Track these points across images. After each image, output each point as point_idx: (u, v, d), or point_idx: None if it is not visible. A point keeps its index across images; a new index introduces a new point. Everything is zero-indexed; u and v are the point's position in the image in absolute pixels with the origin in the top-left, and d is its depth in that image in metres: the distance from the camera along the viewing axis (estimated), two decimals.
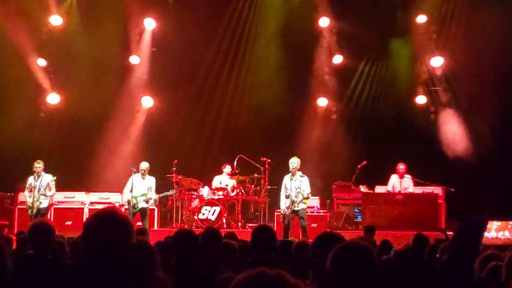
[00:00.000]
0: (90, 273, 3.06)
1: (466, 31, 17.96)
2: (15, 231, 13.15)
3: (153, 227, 15.72)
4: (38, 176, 14.64)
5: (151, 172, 15.00)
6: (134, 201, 14.43)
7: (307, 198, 14.22)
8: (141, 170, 14.67)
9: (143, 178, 14.68)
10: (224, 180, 16.52)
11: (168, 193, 15.41)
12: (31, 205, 14.57)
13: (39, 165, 14.68)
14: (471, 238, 2.64)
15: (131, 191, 14.50)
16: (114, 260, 3.06)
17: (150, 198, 14.65)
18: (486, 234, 12.86)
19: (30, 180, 14.75)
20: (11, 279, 4.29)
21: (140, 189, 14.56)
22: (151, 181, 14.74)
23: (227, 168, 16.59)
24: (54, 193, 15.08)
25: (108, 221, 3.10)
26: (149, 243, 4.90)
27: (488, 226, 12.82)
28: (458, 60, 18.08)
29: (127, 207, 14.58)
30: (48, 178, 14.69)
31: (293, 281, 2.23)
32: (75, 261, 5.77)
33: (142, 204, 14.51)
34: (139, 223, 14.56)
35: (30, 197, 14.62)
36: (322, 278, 3.75)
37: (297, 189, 13.78)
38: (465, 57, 17.74)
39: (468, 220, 2.67)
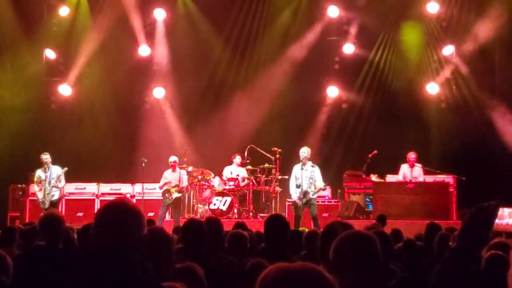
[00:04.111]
0: (102, 264, 3.07)
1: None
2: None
3: (165, 218, 15.77)
4: (47, 168, 14.67)
5: (163, 162, 15.61)
6: (168, 193, 15.38)
7: (324, 189, 14.27)
8: (170, 163, 15.58)
9: (174, 171, 15.58)
10: (234, 170, 16.53)
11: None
12: (43, 199, 14.59)
13: (47, 156, 14.74)
14: (481, 226, 2.62)
15: (165, 184, 15.50)
16: (125, 251, 3.07)
17: (182, 188, 15.57)
18: (498, 221, 12.86)
19: (39, 173, 14.79)
20: (21, 270, 4.31)
21: (172, 182, 15.48)
22: (182, 173, 15.65)
23: (237, 159, 16.59)
24: (64, 184, 15.19)
25: (119, 212, 3.12)
26: (165, 232, 4.93)
27: (499, 213, 12.80)
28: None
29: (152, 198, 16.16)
30: (57, 170, 14.74)
31: (331, 278, 2.19)
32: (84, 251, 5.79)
33: (175, 195, 15.35)
34: (150, 214, 14.90)
35: (40, 190, 14.65)
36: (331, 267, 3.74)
37: (309, 179, 13.77)
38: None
39: (478, 207, 2.65)
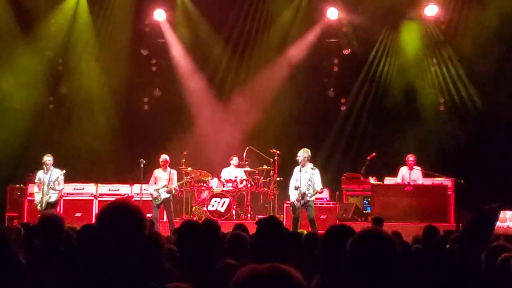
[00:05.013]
0: (103, 264, 3.06)
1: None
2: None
3: (163, 219, 15.73)
4: (48, 170, 14.63)
5: (158, 163, 15.31)
6: (156, 194, 14.90)
7: (320, 192, 14.25)
8: (161, 162, 15.12)
9: (164, 171, 15.10)
10: (233, 171, 16.52)
11: (180, 182, 15.82)
12: (40, 201, 14.56)
13: (49, 158, 14.68)
14: (483, 228, 2.63)
15: (155, 183, 15.02)
16: (127, 252, 3.07)
17: (172, 189, 14.98)
18: (500, 223, 12.84)
19: (39, 174, 14.73)
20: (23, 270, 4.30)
21: (162, 182, 14.99)
22: (172, 173, 15.16)
23: (234, 160, 16.59)
24: (62, 187, 15.14)
25: (121, 213, 3.11)
26: (156, 233, 4.91)
27: (501, 216, 12.76)
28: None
29: (150, 199, 15.22)
30: (57, 173, 14.68)
31: (298, 277, 2.22)
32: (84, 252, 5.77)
33: (164, 195, 14.91)
34: (149, 215, 14.75)
35: (39, 192, 14.62)
36: (331, 270, 3.73)
37: (308, 182, 13.75)
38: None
39: (480, 210, 2.65)
